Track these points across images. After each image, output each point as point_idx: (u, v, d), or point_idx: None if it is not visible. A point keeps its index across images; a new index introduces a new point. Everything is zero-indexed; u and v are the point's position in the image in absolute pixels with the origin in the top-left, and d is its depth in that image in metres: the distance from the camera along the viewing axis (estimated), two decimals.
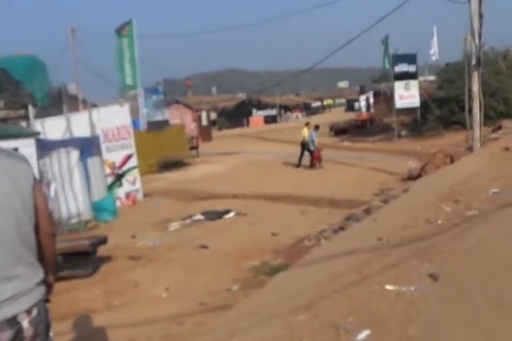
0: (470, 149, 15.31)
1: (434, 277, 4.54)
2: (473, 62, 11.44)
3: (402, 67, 24.77)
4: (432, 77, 35.98)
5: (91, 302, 6.88)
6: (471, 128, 19.75)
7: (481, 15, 10.69)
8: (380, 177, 15.31)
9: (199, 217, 11.51)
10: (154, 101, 24.10)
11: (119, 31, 22.18)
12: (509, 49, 24.72)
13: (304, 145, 19.28)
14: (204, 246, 9.29)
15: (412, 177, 13.58)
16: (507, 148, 11.04)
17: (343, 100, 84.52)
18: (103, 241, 8.24)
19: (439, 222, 6.13)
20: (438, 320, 3.78)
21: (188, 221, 11.33)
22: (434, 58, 39.90)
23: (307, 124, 20.37)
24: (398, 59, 25.03)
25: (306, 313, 3.92)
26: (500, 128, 17.84)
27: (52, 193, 11.84)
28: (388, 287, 4.36)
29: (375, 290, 4.31)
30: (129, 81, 22.59)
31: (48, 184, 11.73)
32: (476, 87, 11.57)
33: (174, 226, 11.01)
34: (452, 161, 12.64)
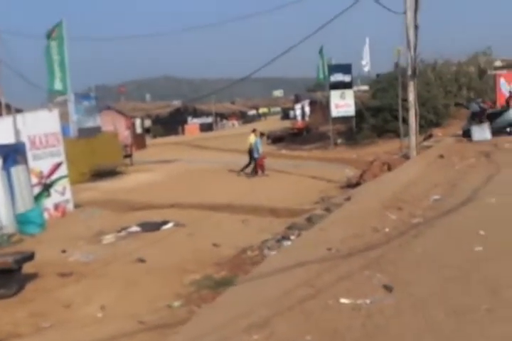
0: (405, 157, 15.74)
1: (388, 288, 4.41)
2: (409, 72, 11.71)
3: (337, 77, 25.30)
4: (364, 87, 37.07)
5: (16, 326, 6.22)
6: (405, 136, 20.54)
7: (416, 27, 10.97)
8: (319, 185, 15.35)
9: (135, 228, 10.92)
10: (86, 107, 23.00)
11: (49, 33, 21.09)
12: (437, 61, 25.90)
13: (251, 153, 19.02)
14: (141, 260, 8.76)
15: (350, 185, 13.69)
16: (441, 156, 11.38)
17: (278, 109, 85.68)
18: (29, 257, 7.54)
19: (386, 230, 6.07)
20: (397, 335, 3.62)
21: (123, 233, 10.71)
22: (366, 69, 41.18)
23: (254, 131, 20.09)
24: (334, 69, 25.57)
25: (261, 332, 3.64)
26: (431, 136, 18.53)
27: None
28: (343, 300, 4.17)
29: (330, 305, 4.10)
30: (58, 86, 21.48)
31: None
32: (412, 96, 11.85)
33: (108, 239, 10.37)
34: (389, 169, 12.86)
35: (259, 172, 18.61)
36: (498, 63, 28.90)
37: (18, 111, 17.89)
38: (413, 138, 12.12)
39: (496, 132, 13.90)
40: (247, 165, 18.93)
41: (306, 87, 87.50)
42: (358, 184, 13.23)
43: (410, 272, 4.68)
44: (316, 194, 14.05)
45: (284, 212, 11.97)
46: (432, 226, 6.04)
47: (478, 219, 6.18)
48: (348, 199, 9.67)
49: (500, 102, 20.75)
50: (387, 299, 4.17)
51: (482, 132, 13.67)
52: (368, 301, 4.14)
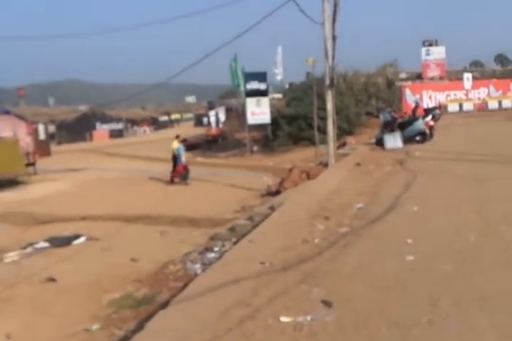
0: (321, 164, 16.03)
1: (327, 303, 4.25)
2: (327, 82, 11.89)
3: (253, 85, 25.42)
4: (277, 95, 37.70)
5: None
6: (320, 144, 21.01)
7: (334, 38, 11.17)
8: (238, 194, 15.16)
9: (43, 244, 10.03)
10: None
11: None
12: (347, 72, 26.94)
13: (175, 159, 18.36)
14: (52, 279, 8.00)
15: (270, 193, 13.62)
16: (358, 164, 11.64)
17: (191, 115, 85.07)
18: None
19: (316, 241, 5.96)
20: None
21: (29, 249, 9.78)
22: (278, 78, 41.99)
23: (177, 137, 19.49)
24: (249, 76, 25.66)
25: None
26: (345, 144, 19.06)
27: None
28: (284, 319, 3.95)
29: (270, 325, 3.86)
30: None
31: None
32: (330, 105, 12.04)
33: (12, 256, 9.41)
34: (309, 177, 12.95)
35: (175, 179, 18.05)
36: (403, 75, 30.77)
37: None
38: (331, 145, 12.31)
39: (407, 140, 14.55)
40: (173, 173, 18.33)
41: (219, 94, 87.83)
42: (278, 192, 13.19)
43: (347, 285, 4.57)
44: (236, 202, 13.83)
45: (205, 222, 11.61)
46: (360, 235, 6.03)
47: (404, 227, 6.27)
48: (272, 208, 9.55)
49: (406, 112, 21.96)
50: (328, 315, 4.01)
51: (394, 141, 14.24)
52: (308, 318, 3.96)
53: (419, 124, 14.89)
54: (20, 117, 31.09)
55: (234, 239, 9.34)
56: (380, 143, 14.92)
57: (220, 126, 41.33)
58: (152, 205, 13.86)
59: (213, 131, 36.66)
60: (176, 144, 18.54)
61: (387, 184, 9.23)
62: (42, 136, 33.49)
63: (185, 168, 18.23)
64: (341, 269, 4.93)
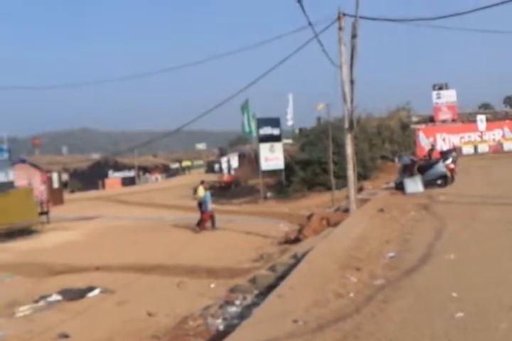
0: (339, 210, 15.64)
1: None
2: (346, 125, 11.75)
3: (266, 130, 25.45)
4: (288, 141, 37.80)
5: None
6: (336, 189, 20.70)
7: (352, 81, 11.12)
8: (254, 241, 14.73)
9: (56, 297, 9.63)
10: None
11: None
12: (360, 115, 26.97)
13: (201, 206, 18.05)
14: (65, 336, 7.61)
15: (289, 241, 13.21)
16: (381, 210, 11.25)
17: (201, 162, 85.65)
18: None
19: (351, 295, 5.52)
20: None
21: (41, 303, 9.39)
22: (289, 123, 42.44)
23: (202, 183, 19.33)
24: (262, 122, 25.73)
25: None
26: (362, 189, 18.70)
27: None
28: None
29: None
30: None
31: None
32: (349, 149, 11.83)
33: (24, 310, 9.01)
34: (329, 223, 12.58)
35: (204, 226, 17.68)
36: (414, 118, 30.79)
37: None
38: (352, 191, 11.98)
39: (428, 184, 14.19)
40: (201, 220, 17.97)
41: (229, 140, 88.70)
42: (297, 240, 12.79)
43: None
44: (253, 251, 13.41)
45: (223, 273, 11.17)
46: (399, 288, 5.59)
47: (444, 278, 5.83)
48: (295, 257, 9.13)
49: (420, 155, 21.72)
50: None
51: (414, 185, 13.88)
52: None
53: (440, 167, 14.56)
54: (35, 166, 31.37)
55: (256, 292, 8.90)
56: (399, 187, 14.55)
57: (232, 172, 41.26)
58: (167, 254, 13.46)
59: (226, 177, 36.53)
60: (202, 191, 18.26)
61: (416, 230, 8.81)
62: (55, 184, 33.59)
63: (211, 216, 17.91)
64: (385, 329, 4.48)
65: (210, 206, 18.06)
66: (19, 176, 24.18)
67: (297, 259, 8.76)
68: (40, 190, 27.34)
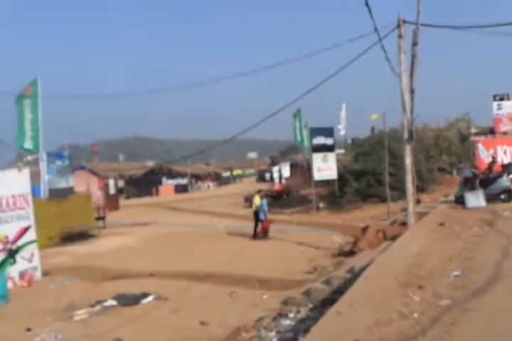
0: (396, 223, 15.18)
1: None
2: (405, 136, 11.40)
3: (319, 140, 25.18)
4: (341, 150, 37.34)
5: None
6: (392, 201, 20.16)
7: (412, 90, 10.79)
8: (307, 252, 14.49)
9: (111, 302, 9.76)
10: (58, 166, 22.08)
11: (23, 91, 20.55)
12: (417, 126, 26.28)
13: (257, 214, 18.10)
14: None
15: (343, 253, 12.92)
16: (442, 224, 10.80)
17: (252, 170, 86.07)
18: None
19: (415, 315, 5.25)
20: None
21: (97, 307, 9.53)
22: (341, 133, 41.90)
23: (259, 192, 19.38)
24: (316, 132, 25.49)
25: None
26: (419, 202, 18.09)
27: None
28: None
29: None
30: (28, 144, 20.61)
31: None
32: (408, 160, 11.45)
33: (81, 314, 9.16)
34: (385, 237, 12.21)
35: (261, 235, 17.60)
36: (473, 130, 29.65)
37: None
38: (411, 204, 11.57)
39: (490, 199, 13.53)
40: (255, 229, 17.96)
41: (280, 149, 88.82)
42: (351, 252, 12.49)
43: None
44: (305, 262, 13.20)
45: (275, 284, 11.01)
46: (468, 310, 5.26)
47: None
48: (351, 272, 8.87)
49: (480, 167, 20.78)
50: None
51: (476, 199, 13.27)
52: None
53: (504, 181, 13.86)
54: (93, 172, 32.42)
55: (310, 305, 8.70)
56: (460, 201, 13.95)
57: (284, 181, 41.10)
58: (219, 262, 13.46)
59: (277, 186, 36.37)
60: (258, 200, 18.30)
61: (480, 247, 8.37)
62: (112, 190, 34.57)
63: (264, 224, 17.87)
64: None
65: (267, 214, 18.03)
66: (78, 182, 25.06)
67: (354, 274, 8.51)
68: (97, 195, 28.18)
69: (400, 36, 11.93)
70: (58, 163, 21.62)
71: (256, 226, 18.05)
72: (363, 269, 7.99)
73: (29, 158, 21.40)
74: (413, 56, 11.01)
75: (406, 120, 11.16)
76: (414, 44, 11.07)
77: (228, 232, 19.82)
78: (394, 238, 11.78)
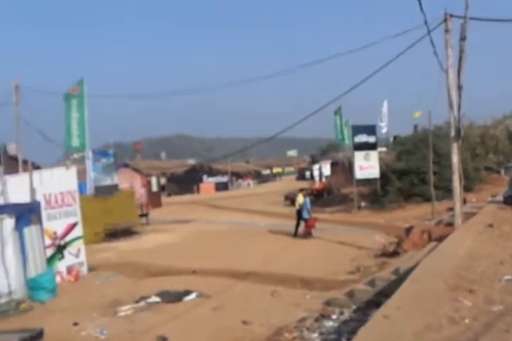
0: (441, 223, 14.76)
1: None
2: (452, 133, 11.05)
3: (361, 138, 24.79)
4: (383, 149, 36.65)
5: None
6: (436, 200, 19.64)
7: (460, 87, 10.43)
8: (349, 252, 14.29)
9: (155, 298, 9.90)
10: (103, 164, 22.61)
11: (70, 91, 21.14)
12: (463, 123, 25.52)
13: (300, 213, 18.07)
14: (163, 338, 7.73)
15: (386, 254, 12.66)
16: (491, 225, 10.42)
17: (292, 169, 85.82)
18: (37, 336, 6.56)
19: (466, 321, 5.04)
20: None
21: (141, 304, 9.69)
22: (383, 131, 41.09)
23: (302, 190, 19.36)
24: (358, 130, 25.09)
25: None
26: (465, 202, 17.51)
27: None
28: None
29: None
30: (75, 142, 21.19)
31: None
32: (455, 159, 11.10)
33: (125, 310, 9.33)
34: (430, 238, 11.89)
35: (303, 234, 17.53)
36: None
37: (36, 167, 17.45)
38: (458, 204, 11.20)
39: None
40: (296, 227, 17.90)
41: (319, 147, 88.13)
42: (395, 253, 12.23)
43: None
44: (348, 262, 13.01)
45: (317, 284, 10.90)
46: None
47: None
48: (397, 273, 8.67)
49: None
50: None
51: None
52: None
53: None
54: (136, 170, 33.06)
55: (353, 307, 8.56)
56: (509, 201, 13.44)
57: (324, 180, 40.74)
58: (261, 260, 13.44)
59: (317, 184, 36.12)
60: (301, 198, 18.22)
61: None
62: (154, 187, 35.15)
63: (310, 222, 17.76)
64: None
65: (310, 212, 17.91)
66: (122, 180, 25.56)
67: (399, 275, 8.32)
68: (140, 193, 28.71)
69: (446, 30, 11.59)
70: (103, 160, 22.12)
71: (298, 224, 17.95)
72: (409, 271, 7.79)
73: (75, 156, 21.99)
74: (461, 51, 10.65)
75: (453, 117, 10.81)
76: (463, 39, 10.70)
77: (269, 230, 19.80)
78: (440, 239, 11.44)
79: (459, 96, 10.64)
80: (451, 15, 11.32)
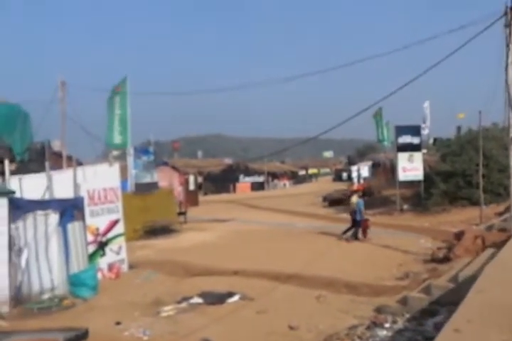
0: (491, 228, 14.04)
1: None
2: (511, 134, 10.41)
3: (405, 139, 24.04)
4: (423, 150, 35.68)
5: None
6: (485, 204, 18.83)
7: None
8: (395, 257, 13.76)
9: (197, 299, 9.68)
10: (144, 161, 22.71)
11: (114, 88, 21.30)
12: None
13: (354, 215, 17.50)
14: None
15: (436, 259, 12.08)
16: None
17: (328, 170, 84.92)
18: (82, 335, 6.41)
19: None
20: None
21: (184, 304, 9.48)
22: (425, 132, 40.03)
23: (356, 191, 18.89)
24: (401, 130, 24.32)
25: None
26: None
27: (23, 263, 10.00)
28: None
29: None
30: (117, 139, 21.34)
31: (19, 252, 9.91)
32: None
33: (168, 311, 9.14)
34: (484, 244, 11.26)
35: (362, 237, 16.98)
36: None
37: (79, 164, 17.54)
38: None
39: None
40: (349, 228, 17.40)
41: (356, 149, 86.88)
42: (446, 259, 11.64)
43: None
44: (394, 267, 12.50)
45: (364, 289, 10.46)
46: None
47: None
48: (455, 281, 8.16)
49: None
50: None
51: None
52: None
53: None
54: (175, 168, 33.17)
55: (407, 315, 8.10)
56: None
57: (362, 181, 39.96)
58: (303, 263, 13.06)
59: (356, 186, 35.35)
60: (355, 199, 17.68)
61: None
62: (192, 186, 35.20)
63: (364, 224, 17.21)
64: None
65: (363, 213, 17.29)
66: (161, 177, 25.61)
67: (458, 284, 7.81)
68: (178, 191, 28.73)
69: (506, 25, 10.97)
70: (144, 158, 22.22)
71: (353, 226, 17.35)
72: (469, 279, 7.29)
73: (115, 153, 22.14)
74: None
75: (510, 117, 10.18)
76: None
77: (308, 232, 19.40)
78: (494, 245, 10.84)
79: None
80: None
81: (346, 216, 23.15)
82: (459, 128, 34.74)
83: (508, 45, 10.89)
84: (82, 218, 11.50)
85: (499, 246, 10.16)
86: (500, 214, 18.29)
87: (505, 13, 11.01)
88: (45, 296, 10.03)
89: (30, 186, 11.02)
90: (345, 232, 17.26)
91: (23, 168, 14.15)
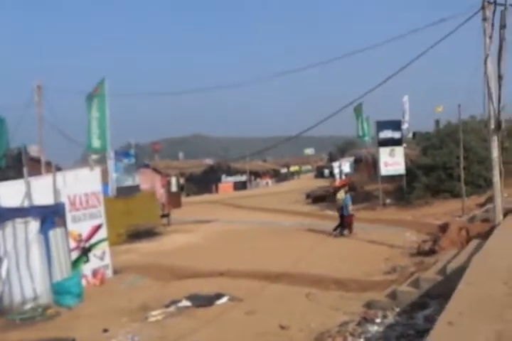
0: (474, 220, 14.18)
1: None
2: (492, 126, 10.49)
3: (386, 134, 24.21)
4: (404, 145, 35.99)
5: None
6: (467, 196, 19.05)
7: (500, 77, 9.88)
8: (381, 251, 13.80)
9: (185, 302, 9.53)
10: (125, 164, 22.37)
11: (92, 91, 20.88)
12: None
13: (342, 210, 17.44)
14: None
15: (422, 252, 12.13)
16: None
17: (309, 167, 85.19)
18: None
19: None
20: None
21: (172, 308, 9.32)
22: (404, 126, 40.36)
23: (341, 187, 18.87)
24: (382, 125, 24.49)
25: None
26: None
27: (3, 273, 9.75)
28: None
29: None
30: (96, 143, 20.91)
31: None
32: (495, 153, 10.54)
33: (156, 315, 8.98)
34: (468, 235, 11.34)
35: (347, 232, 16.99)
36: None
37: (59, 169, 17.19)
38: (498, 200, 10.67)
39: None
40: (339, 225, 17.38)
41: (336, 145, 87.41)
42: (432, 251, 11.70)
43: None
44: (381, 261, 12.52)
45: (353, 285, 10.44)
46: None
47: None
48: (443, 273, 8.17)
49: None
50: None
51: None
52: None
53: None
54: (156, 170, 32.83)
55: (397, 309, 8.08)
56: None
57: (343, 177, 40.14)
58: (290, 261, 13.00)
59: (338, 182, 35.48)
60: (342, 194, 17.64)
61: None
62: (174, 188, 34.90)
63: (350, 219, 17.20)
64: None
65: (351, 209, 17.26)
66: (143, 180, 25.28)
67: (446, 276, 7.82)
68: (160, 193, 28.44)
69: (484, 19, 11.04)
70: (125, 161, 21.88)
71: (342, 222, 17.34)
72: (457, 271, 7.30)
73: (94, 156, 21.77)
74: (501, 40, 10.08)
75: (492, 109, 10.26)
76: (503, 27, 10.14)
77: (294, 229, 19.39)
78: (478, 236, 10.93)
79: (499, 86, 10.08)
80: (489, 2, 10.76)
81: (331, 213, 23.28)
82: (437, 122, 35.14)
83: (488, 38, 10.93)
84: (64, 224, 11.25)
85: (484, 236, 10.24)
86: (482, 205, 18.50)
87: (483, 7, 11.08)
88: (28, 306, 9.77)
89: (7, 193, 10.69)
90: (335, 229, 17.28)
91: (0, 174, 13.78)
